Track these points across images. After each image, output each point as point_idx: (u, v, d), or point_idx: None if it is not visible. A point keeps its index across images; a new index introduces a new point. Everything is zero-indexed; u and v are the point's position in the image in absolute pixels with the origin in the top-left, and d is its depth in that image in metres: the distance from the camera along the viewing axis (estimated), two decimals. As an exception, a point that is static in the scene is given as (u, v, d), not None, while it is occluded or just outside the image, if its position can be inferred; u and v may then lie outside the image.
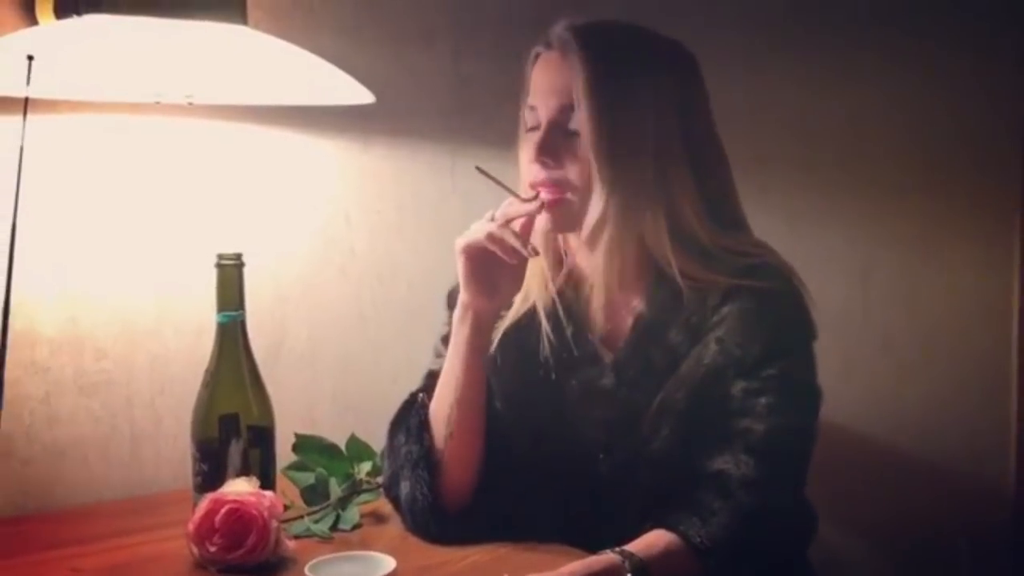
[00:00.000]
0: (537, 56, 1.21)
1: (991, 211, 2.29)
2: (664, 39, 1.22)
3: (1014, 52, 2.25)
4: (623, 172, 1.14)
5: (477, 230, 1.16)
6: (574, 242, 1.24)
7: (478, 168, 1.17)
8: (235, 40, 1.28)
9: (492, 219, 1.16)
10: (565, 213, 1.18)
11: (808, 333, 1.19)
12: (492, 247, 1.15)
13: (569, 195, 1.17)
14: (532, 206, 1.17)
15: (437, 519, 1.20)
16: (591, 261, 1.20)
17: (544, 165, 1.17)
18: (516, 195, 1.18)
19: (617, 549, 1.03)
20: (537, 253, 1.17)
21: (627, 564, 1.01)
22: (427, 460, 1.20)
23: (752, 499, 1.09)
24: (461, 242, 1.17)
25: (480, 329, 1.20)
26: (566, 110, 1.16)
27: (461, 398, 1.20)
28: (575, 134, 1.16)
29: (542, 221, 1.19)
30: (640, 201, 1.15)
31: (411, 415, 1.24)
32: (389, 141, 1.61)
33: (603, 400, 1.22)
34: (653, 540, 1.06)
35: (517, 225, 1.17)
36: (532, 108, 1.19)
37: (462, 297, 1.19)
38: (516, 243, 1.14)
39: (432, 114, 1.64)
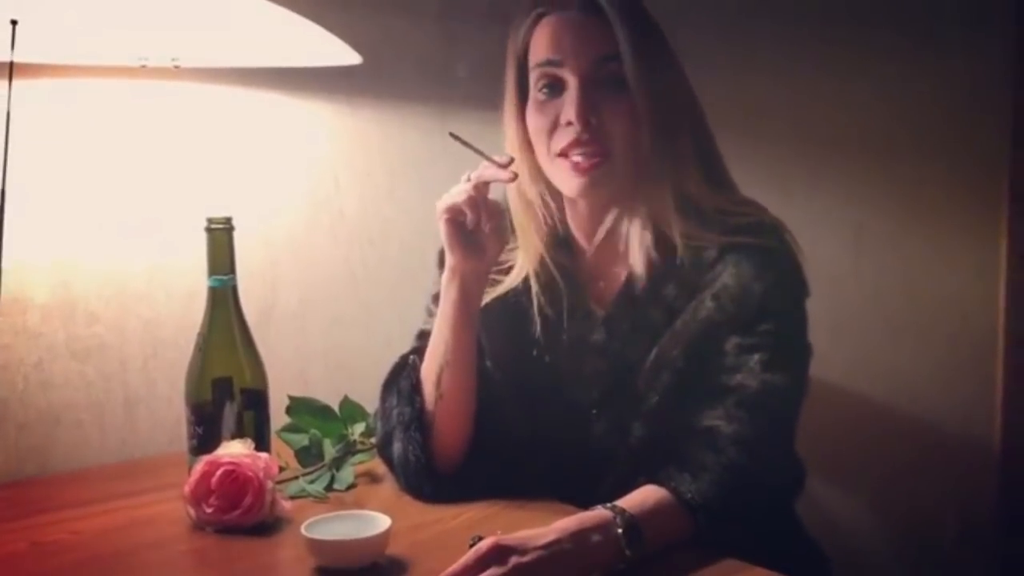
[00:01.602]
0: (539, 17, 1.18)
1: (979, 173, 2.30)
2: None
3: (1000, 24, 2.26)
4: (665, 132, 1.14)
5: (456, 192, 1.16)
6: (582, 204, 1.24)
7: (451, 134, 1.15)
8: (220, 2, 1.27)
9: (468, 180, 1.16)
10: (606, 175, 1.16)
11: (801, 290, 1.20)
12: (469, 210, 1.15)
13: (610, 155, 1.15)
14: (506, 174, 1.14)
15: (430, 479, 1.21)
16: (597, 223, 1.21)
17: (587, 125, 1.13)
18: (491, 159, 1.16)
19: (608, 505, 1.05)
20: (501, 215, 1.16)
21: (618, 520, 1.02)
22: (419, 422, 1.21)
23: (742, 455, 1.10)
24: (441, 205, 1.16)
25: (468, 291, 1.20)
26: (602, 61, 1.13)
27: (451, 360, 1.21)
28: (614, 90, 1.13)
29: (573, 184, 1.17)
30: (661, 164, 1.16)
31: (402, 377, 1.25)
32: (376, 104, 1.60)
33: (594, 356, 1.23)
34: (644, 496, 1.07)
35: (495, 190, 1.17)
36: (549, 63, 1.15)
37: (448, 260, 1.19)
38: (489, 208, 1.14)
39: (419, 76, 1.63)
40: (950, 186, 2.25)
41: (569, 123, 1.15)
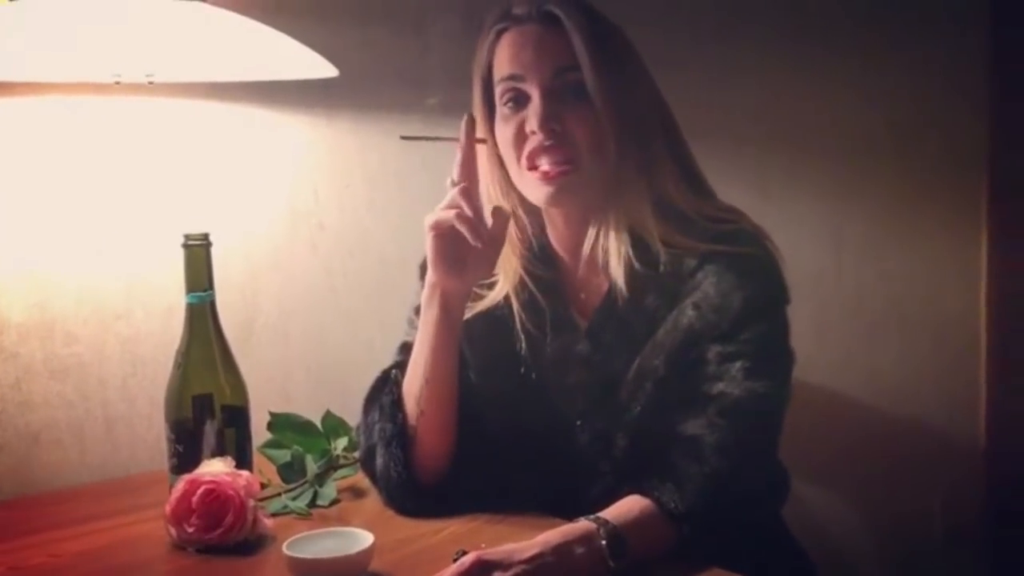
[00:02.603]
0: (500, 33, 1.18)
1: (959, 172, 2.30)
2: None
3: (977, 23, 2.27)
4: (626, 136, 1.14)
5: (445, 207, 1.15)
6: (557, 214, 1.23)
7: (403, 137, 1.15)
8: (194, 17, 1.26)
9: (453, 183, 1.15)
10: (574, 183, 1.16)
11: (782, 297, 1.20)
12: (459, 226, 1.13)
13: (578, 164, 1.15)
14: (463, 131, 1.15)
15: (412, 494, 1.21)
16: (573, 233, 1.21)
17: (551, 133, 1.14)
18: (450, 139, 1.16)
19: (592, 516, 1.04)
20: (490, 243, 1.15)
21: (602, 531, 1.02)
22: (400, 437, 1.21)
23: (725, 464, 1.09)
24: (430, 219, 1.16)
25: (449, 309, 1.19)
26: (561, 72, 1.14)
27: (431, 376, 1.20)
28: (575, 99, 1.14)
29: (541, 193, 1.17)
30: (634, 170, 1.15)
31: (384, 392, 1.24)
32: (354, 114, 1.59)
33: (578, 367, 1.22)
34: (628, 506, 1.07)
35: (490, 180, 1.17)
36: (512, 78, 1.16)
37: (430, 276, 1.18)
38: (479, 228, 1.13)
39: (396, 87, 1.62)
40: (930, 186, 2.25)
41: (533, 132, 1.15)
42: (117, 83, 1.30)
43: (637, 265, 1.17)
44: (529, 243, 1.25)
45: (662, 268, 1.17)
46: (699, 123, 1.27)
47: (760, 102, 1.98)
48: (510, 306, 1.24)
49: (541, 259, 1.26)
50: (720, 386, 1.14)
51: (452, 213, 1.13)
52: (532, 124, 1.14)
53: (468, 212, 1.13)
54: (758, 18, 1.96)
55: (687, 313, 1.16)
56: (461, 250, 1.16)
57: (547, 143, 1.14)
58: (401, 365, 1.26)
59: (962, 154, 2.30)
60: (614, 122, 1.14)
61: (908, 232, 2.24)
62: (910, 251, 2.25)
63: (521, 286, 1.24)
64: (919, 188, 2.24)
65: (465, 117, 1.17)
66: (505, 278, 1.24)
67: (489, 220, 1.16)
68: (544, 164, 1.15)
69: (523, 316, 1.23)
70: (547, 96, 1.14)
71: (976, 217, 2.34)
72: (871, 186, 2.17)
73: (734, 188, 1.29)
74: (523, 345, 1.23)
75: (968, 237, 2.34)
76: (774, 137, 2.03)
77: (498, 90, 1.18)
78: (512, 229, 1.22)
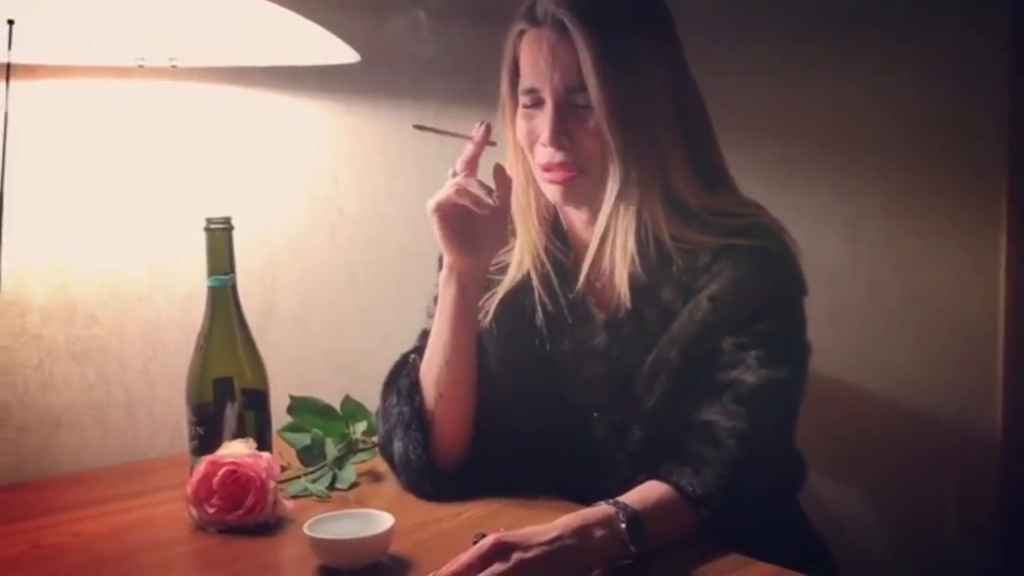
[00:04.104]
0: (522, 33, 1.18)
1: (978, 167, 2.29)
2: None
3: (995, 18, 2.26)
4: (634, 146, 1.14)
5: (445, 189, 1.16)
6: (571, 210, 1.24)
7: (416, 126, 1.16)
8: (217, 1, 1.26)
9: (455, 174, 1.16)
10: (580, 187, 1.18)
11: (799, 290, 1.20)
12: (461, 200, 1.15)
13: (585, 171, 1.17)
14: (478, 135, 1.16)
15: (431, 478, 1.21)
16: (589, 229, 1.21)
17: (560, 147, 1.16)
18: (464, 136, 1.17)
19: (611, 500, 1.04)
20: (498, 203, 1.16)
21: (621, 515, 1.02)
22: (419, 420, 1.21)
23: (742, 449, 1.10)
24: (432, 203, 1.17)
25: (466, 289, 1.20)
26: (573, 90, 1.15)
27: (450, 359, 1.20)
28: (585, 110, 1.15)
29: (552, 193, 1.19)
30: (646, 172, 1.15)
31: (402, 376, 1.25)
32: (373, 101, 1.60)
33: (596, 359, 1.23)
34: (646, 491, 1.07)
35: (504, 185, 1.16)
36: (531, 91, 1.17)
37: (446, 258, 1.20)
38: (481, 192, 1.14)
39: (414, 74, 1.62)
40: (948, 181, 2.24)
41: (544, 144, 1.17)
42: (140, 67, 1.31)
43: (642, 273, 1.17)
44: (550, 225, 1.26)
45: (676, 263, 1.17)
46: (716, 117, 1.26)
47: (777, 97, 1.98)
48: (528, 285, 1.24)
49: (561, 241, 1.26)
50: (735, 373, 1.14)
51: (451, 190, 1.15)
52: (544, 136, 1.16)
53: (466, 185, 1.14)
54: (775, 14, 1.96)
55: (702, 306, 1.16)
56: (469, 226, 1.17)
57: (556, 157, 1.16)
58: (419, 350, 1.26)
59: (981, 150, 2.29)
60: (620, 136, 1.14)
61: (925, 226, 2.23)
62: (927, 245, 2.24)
63: (541, 263, 1.24)
64: (937, 183, 2.23)
65: (483, 124, 1.17)
66: (527, 252, 1.25)
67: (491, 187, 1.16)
68: (553, 169, 1.17)
69: (542, 291, 1.24)
70: (559, 109, 1.15)
71: (994, 211, 2.32)
72: (888, 181, 2.16)
73: (750, 181, 1.29)
74: (540, 318, 1.23)
75: (986, 231, 2.33)
76: (791, 131, 2.02)
77: (519, 90, 1.20)
78: (533, 204, 1.24)
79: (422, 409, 1.22)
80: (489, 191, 1.15)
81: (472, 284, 1.21)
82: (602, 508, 1.04)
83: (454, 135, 1.17)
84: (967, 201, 2.29)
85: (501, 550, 0.96)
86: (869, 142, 2.12)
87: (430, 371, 1.22)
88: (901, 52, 2.12)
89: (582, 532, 1.00)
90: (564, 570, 0.97)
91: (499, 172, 1.17)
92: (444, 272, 1.21)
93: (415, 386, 1.23)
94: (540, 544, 0.97)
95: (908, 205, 2.20)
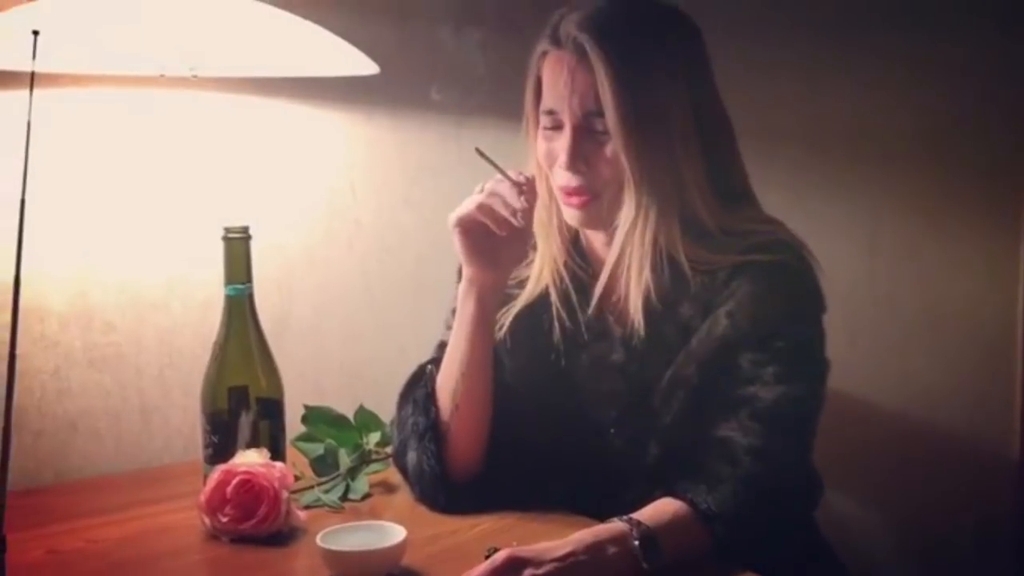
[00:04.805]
0: (544, 54, 1.18)
1: (996, 179, 2.27)
2: (663, 7, 1.20)
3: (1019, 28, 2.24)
4: (652, 172, 1.14)
5: (467, 203, 1.16)
6: (590, 231, 1.24)
7: (478, 150, 1.16)
8: (238, 12, 1.27)
9: (482, 189, 1.16)
10: (596, 212, 1.18)
11: (818, 306, 1.19)
12: (482, 218, 1.15)
13: (601, 195, 1.17)
14: (517, 198, 1.15)
15: (444, 489, 1.21)
16: (607, 249, 1.21)
17: (577, 171, 1.16)
18: (509, 177, 1.16)
19: (624, 517, 1.04)
20: (523, 223, 1.15)
21: (635, 532, 1.02)
22: (433, 432, 1.21)
23: (758, 466, 1.09)
24: (453, 217, 1.17)
25: (484, 302, 1.20)
26: (591, 115, 1.14)
27: (467, 371, 1.21)
28: (603, 135, 1.14)
29: (572, 218, 1.20)
30: (663, 198, 1.15)
31: (418, 387, 1.25)
32: (392, 112, 1.60)
33: (613, 375, 1.22)
34: (661, 508, 1.07)
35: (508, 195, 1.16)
36: (551, 112, 1.17)
37: (465, 271, 1.20)
38: (506, 212, 1.14)
39: (435, 85, 1.63)
40: (966, 192, 2.22)
41: (561, 167, 1.17)
42: (161, 76, 1.32)
43: (656, 301, 1.17)
44: (570, 241, 1.26)
45: (693, 281, 1.16)
46: (733, 124, 1.26)
47: (796, 104, 1.97)
48: (547, 300, 1.24)
49: (580, 258, 1.26)
50: (752, 390, 1.13)
51: (473, 206, 1.15)
52: (561, 160, 1.16)
53: (490, 203, 1.15)
54: (794, 19, 1.95)
55: (721, 322, 1.15)
56: (491, 241, 1.17)
57: (573, 183, 1.16)
58: (436, 361, 1.26)
59: (1000, 159, 2.27)
60: (637, 163, 1.13)
61: (943, 239, 2.22)
62: (945, 258, 2.23)
63: (559, 277, 1.24)
64: (955, 194, 2.21)
65: (527, 177, 1.17)
66: (546, 267, 1.25)
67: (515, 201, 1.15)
68: (571, 193, 1.17)
69: (560, 307, 1.23)
70: (577, 133, 1.15)
71: (1013, 223, 2.30)
72: (906, 189, 2.15)
73: (767, 190, 1.29)
74: (557, 334, 1.23)
75: (1005, 243, 2.31)
76: (809, 140, 2.01)
77: (540, 110, 1.20)
78: (555, 220, 1.23)
79: (437, 420, 1.22)
80: (513, 210, 1.15)
81: (491, 298, 1.21)
82: (615, 525, 1.03)
83: (504, 174, 1.16)
84: (985, 210, 2.27)
85: (513, 565, 0.96)
86: (887, 149, 2.10)
87: (446, 383, 1.22)
88: (921, 60, 2.10)
89: (595, 548, 1.00)
90: None
91: (529, 187, 1.17)
92: (463, 285, 1.21)
93: (431, 397, 1.23)
94: (552, 560, 0.97)
95: (926, 213, 2.18)
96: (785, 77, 1.94)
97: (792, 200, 1.83)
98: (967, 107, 2.20)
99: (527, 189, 1.16)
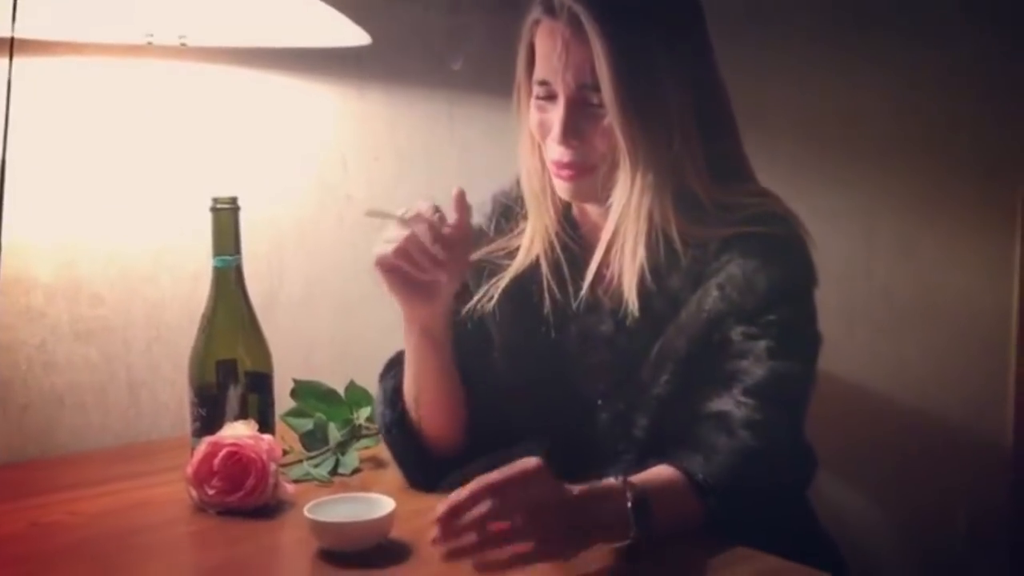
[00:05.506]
0: (537, 23, 1.15)
1: (993, 170, 2.27)
2: None
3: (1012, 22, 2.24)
4: (648, 147, 1.12)
5: (386, 243, 1.11)
6: (576, 203, 1.23)
7: (369, 212, 1.10)
8: (228, -21, 1.26)
9: (403, 215, 1.11)
10: (589, 185, 1.16)
11: (810, 279, 1.18)
12: (399, 262, 1.11)
13: (596, 169, 1.15)
14: (433, 247, 1.08)
15: (422, 471, 1.21)
16: (601, 220, 1.19)
17: (570, 146, 1.14)
18: (397, 217, 1.10)
19: (619, 478, 1.02)
20: (443, 257, 1.09)
21: (629, 493, 0.99)
22: (400, 425, 1.21)
23: (755, 439, 1.08)
24: (373, 256, 1.12)
25: (428, 333, 1.18)
26: (586, 88, 1.12)
27: (424, 386, 1.19)
28: (598, 108, 1.12)
29: (564, 191, 1.17)
30: (658, 173, 1.13)
31: (388, 376, 1.24)
32: (384, 87, 1.58)
33: (602, 347, 1.21)
34: (655, 473, 1.05)
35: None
36: (544, 83, 1.15)
37: (402, 311, 1.16)
38: (423, 257, 1.09)
39: (427, 62, 1.61)
40: (963, 184, 2.23)
41: (554, 141, 1.15)
42: (149, 43, 1.30)
43: (651, 281, 1.15)
44: (562, 212, 1.24)
45: (685, 253, 1.15)
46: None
47: (795, 100, 1.97)
48: (537, 271, 1.23)
49: (572, 228, 1.25)
50: (744, 364, 1.12)
51: (390, 248, 1.10)
52: (554, 133, 1.14)
53: (407, 247, 1.09)
54: (794, 17, 1.95)
55: (711, 294, 1.14)
56: (419, 277, 1.12)
57: (566, 156, 1.14)
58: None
59: (995, 154, 2.27)
60: (633, 138, 1.11)
61: (939, 231, 2.22)
62: (941, 249, 2.23)
63: (551, 248, 1.22)
64: (952, 185, 2.21)
65: (432, 205, 1.11)
66: (538, 237, 1.23)
67: (450, 214, 1.11)
68: (563, 167, 1.15)
69: (550, 278, 1.21)
70: (571, 107, 1.13)
71: (1009, 214, 2.31)
72: (903, 183, 2.15)
73: (766, 184, 1.27)
74: (547, 306, 1.21)
75: (1001, 234, 2.31)
76: (808, 134, 2.01)
77: (533, 80, 1.17)
78: (548, 190, 1.21)
79: (403, 412, 1.21)
80: (432, 256, 1.09)
81: (435, 325, 1.18)
82: (610, 482, 1.01)
83: (396, 218, 1.10)
84: (981, 204, 2.28)
85: (508, 488, 0.93)
86: (885, 145, 2.10)
87: (409, 389, 1.21)
88: (919, 57, 2.10)
89: (590, 496, 0.98)
90: (567, 523, 0.95)
91: (458, 200, 1.11)
92: (404, 323, 1.18)
93: (398, 391, 1.22)
94: (552, 491, 0.95)
95: (922, 208, 2.19)
96: (786, 73, 1.94)
97: (791, 193, 1.80)
98: (964, 103, 2.20)
99: (456, 204, 1.10)
